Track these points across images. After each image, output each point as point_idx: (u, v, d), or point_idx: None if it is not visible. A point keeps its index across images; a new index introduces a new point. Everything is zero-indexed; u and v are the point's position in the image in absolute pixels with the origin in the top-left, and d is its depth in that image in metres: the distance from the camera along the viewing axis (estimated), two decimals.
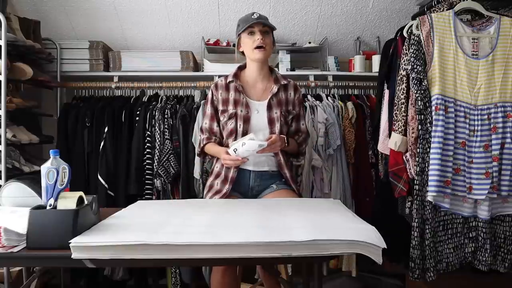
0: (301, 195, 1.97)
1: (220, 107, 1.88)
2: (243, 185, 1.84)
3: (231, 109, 1.84)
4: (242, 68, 1.94)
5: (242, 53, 1.90)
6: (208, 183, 1.90)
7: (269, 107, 1.84)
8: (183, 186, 2.50)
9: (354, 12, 2.87)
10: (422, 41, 1.90)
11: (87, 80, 2.73)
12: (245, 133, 1.81)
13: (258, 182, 1.84)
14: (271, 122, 1.82)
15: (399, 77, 1.97)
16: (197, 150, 2.01)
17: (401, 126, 1.95)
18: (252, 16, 1.80)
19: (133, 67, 2.73)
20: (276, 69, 1.97)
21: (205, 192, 1.90)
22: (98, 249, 1.03)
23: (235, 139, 1.81)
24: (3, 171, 2.12)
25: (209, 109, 1.92)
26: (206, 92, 2.73)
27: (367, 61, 2.88)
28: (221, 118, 1.87)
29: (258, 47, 1.80)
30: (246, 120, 1.82)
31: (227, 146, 1.83)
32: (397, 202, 2.10)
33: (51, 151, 1.24)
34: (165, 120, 2.52)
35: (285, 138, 1.80)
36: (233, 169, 1.81)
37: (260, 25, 1.79)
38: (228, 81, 1.88)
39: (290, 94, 1.90)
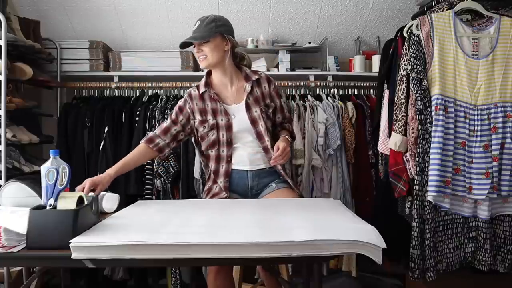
0: (300, 192, 1.96)
1: (198, 117, 1.81)
2: (242, 186, 1.83)
3: (211, 119, 1.79)
4: (210, 73, 1.88)
5: None
6: (206, 187, 1.89)
7: (248, 108, 1.79)
8: (183, 186, 2.50)
9: (354, 12, 2.87)
10: (422, 41, 1.90)
11: (87, 80, 2.73)
12: (229, 141, 1.78)
13: (256, 181, 1.83)
14: (253, 122, 1.79)
15: (399, 77, 1.97)
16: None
17: (401, 126, 1.95)
18: (193, 29, 1.77)
19: (133, 67, 2.73)
20: (244, 66, 1.88)
21: (203, 197, 1.89)
22: (98, 249, 1.03)
23: (219, 150, 1.79)
24: (3, 171, 2.12)
25: (174, 114, 1.85)
26: None
27: (367, 61, 2.88)
28: (200, 129, 1.82)
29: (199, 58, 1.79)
30: (228, 128, 1.78)
31: (208, 158, 1.82)
32: (397, 202, 2.10)
33: (51, 151, 1.24)
34: (165, 120, 2.52)
35: (286, 135, 1.82)
36: (223, 179, 1.79)
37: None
38: (201, 91, 1.82)
39: (265, 88, 1.85)
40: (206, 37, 1.74)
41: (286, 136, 1.81)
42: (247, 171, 1.81)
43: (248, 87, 1.81)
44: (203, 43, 1.75)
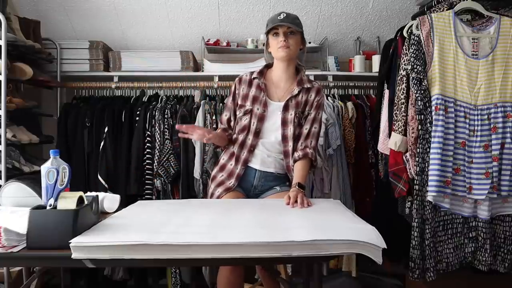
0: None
1: (239, 102, 1.87)
2: (247, 182, 1.84)
3: (248, 105, 1.83)
4: (269, 66, 1.92)
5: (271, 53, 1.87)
6: (212, 173, 1.91)
7: (286, 108, 1.81)
8: (183, 186, 2.50)
9: (354, 12, 2.87)
10: (422, 41, 1.90)
11: (87, 80, 2.73)
12: (257, 132, 1.81)
13: (262, 182, 1.84)
14: (284, 123, 1.80)
15: (399, 77, 1.97)
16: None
17: (401, 126, 1.95)
18: (278, 17, 1.78)
19: (133, 67, 2.73)
20: (304, 70, 1.91)
21: (209, 183, 1.91)
22: (98, 249, 1.03)
23: (247, 135, 1.82)
24: (3, 171, 2.12)
25: (230, 102, 1.91)
26: (206, 92, 2.73)
27: (367, 61, 2.88)
28: (237, 113, 1.87)
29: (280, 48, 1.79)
30: (261, 118, 1.81)
31: (235, 141, 1.84)
32: (397, 202, 2.10)
33: (51, 151, 1.24)
34: (165, 120, 2.52)
35: (298, 184, 1.69)
36: (240, 166, 1.81)
37: (284, 27, 1.77)
38: (252, 77, 1.87)
39: (311, 96, 1.85)
40: (300, 27, 1.81)
41: (297, 187, 1.68)
42: (256, 169, 1.83)
43: (296, 90, 1.82)
44: (290, 34, 1.79)
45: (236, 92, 1.89)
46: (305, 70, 1.93)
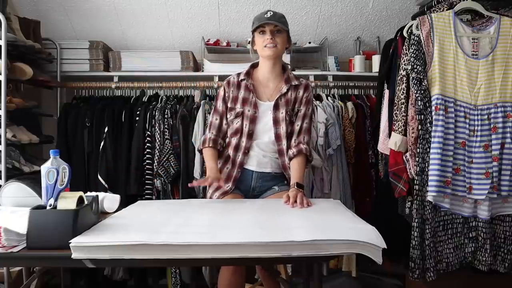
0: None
1: (229, 105, 1.86)
2: (245, 184, 1.84)
3: (238, 107, 1.83)
4: (255, 66, 1.91)
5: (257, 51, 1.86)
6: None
7: (276, 107, 1.81)
8: (183, 186, 2.50)
9: (354, 12, 2.87)
10: (422, 41, 1.90)
11: (87, 80, 2.73)
12: (250, 133, 1.81)
13: (259, 183, 1.84)
14: (276, 122, 1.81)
15: (399, 77, 1.97)
16: (199, 146, 1.93)
17: (401, 126, 1.95)
18: (265, 15, 1.78)
19: (133, 67, 2.73)
20: (289, 68, 1.93)
21: (207, 188, 1.90)
22: (98, 249, 1.03)
23: (240, 138, 1.81)
24: (3, 171, 2.12)
25: (220, 106, 1.88)
26: (206, 92, 2.73)
27: (367, 61, 2.88)
28: (228, 116, 1.86)
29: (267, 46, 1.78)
30: (253, 120, 1.81)
31: (229, 144, 1.84)
32: (397, 202, 2.10)
33: (51, 151, 1.24)
34: (165, 120, 2.52)
35: (297, 184, 1.68)
36: (236, 169, 1.81)
37: (271, 25, 1.76)
38: (240, 79, 1.86)
39: (299, 93, 1.86)
40: (286, 26, 1.80)
41: (297, 183, 1.70)
42: (252, 171, 1.83)
43: (284, 88, 1.83)
44: (277, 32, 1.78)
45: (226, 95, 1.87)
46: (291, 68, 1.93)
